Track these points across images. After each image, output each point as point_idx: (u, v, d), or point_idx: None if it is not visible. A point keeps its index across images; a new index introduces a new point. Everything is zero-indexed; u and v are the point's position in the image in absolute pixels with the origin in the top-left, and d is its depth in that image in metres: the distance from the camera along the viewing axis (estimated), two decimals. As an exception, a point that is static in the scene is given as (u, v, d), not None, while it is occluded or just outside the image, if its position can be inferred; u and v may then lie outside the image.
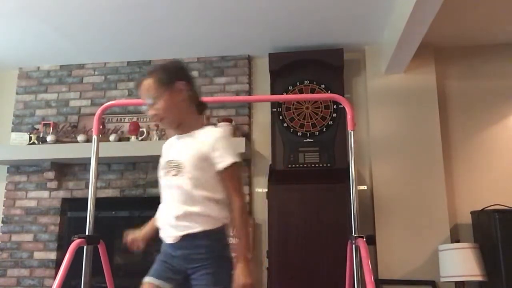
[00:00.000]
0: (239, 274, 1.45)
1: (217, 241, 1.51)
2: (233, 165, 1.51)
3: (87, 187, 3.56)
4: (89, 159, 2.38)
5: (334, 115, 3.43)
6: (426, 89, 3.44)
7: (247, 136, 3.60)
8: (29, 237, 3.67)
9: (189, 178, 1.51)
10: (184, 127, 1.60)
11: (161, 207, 1.62)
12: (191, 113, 1.61)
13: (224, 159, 1.50)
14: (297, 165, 3.36)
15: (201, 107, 1.66)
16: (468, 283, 2.99)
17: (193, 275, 1.49)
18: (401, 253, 3.19)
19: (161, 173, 1.61)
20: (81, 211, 3.12)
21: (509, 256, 2.83)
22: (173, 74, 1.59)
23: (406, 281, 3.14)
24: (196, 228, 1.48)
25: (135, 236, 1.72)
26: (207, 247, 1.49)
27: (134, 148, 3.45)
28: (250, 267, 1.47)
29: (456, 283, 3.00)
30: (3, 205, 3.78)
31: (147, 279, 1.57)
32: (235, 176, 1.53)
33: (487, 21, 3.21)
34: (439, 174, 3.28)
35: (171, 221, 1.52)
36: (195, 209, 1.48)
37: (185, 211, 1.49)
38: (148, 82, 1.56)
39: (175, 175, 1.53)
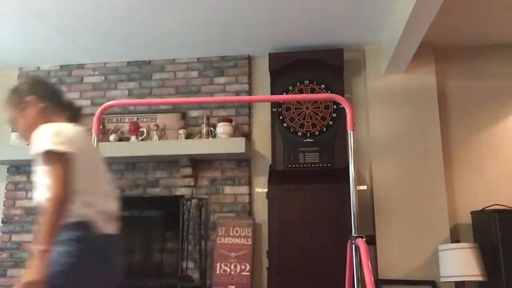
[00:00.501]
0: (26, 271, 1.35)
1: (70, 237, 1.45)
2: (45, 153, 1.46)
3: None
4: (89, 159, 2.37)
5: (334, 115, 3.43)
6: (426, 89, 3.44)
7: (247, 136, 3.60)
8: (29, 237, 3.67)
9: (36, 180, 1.56)
10: None
11: None
12: (53, 122, 1.61)
13: (35, 148, 1.48)
14: (297, 165, 3.36)
15: (71, 113, 1.73)
16: (468, 283, 2.99)
17: None
18: (401, 253, 3.19)
19: None
20: (81, 211, 3.12)
21: (509, 256, 2.83)
22: (21, 93, 1.67)
23: (406, 281, 3.14)
24: None
25: None
26: (62, 243, 1.44)
27: (134, 148, 3.45)
28: (42, 262, 1.35)
29: (456, 283, 3.00)
30: (3, 205, 3.78)
31: None
32: (50, 165, 1.46)
33: (487, 21, 3.21)
34: (439, 174, 3.28)
35: None
36: None
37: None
38: (4, 107, 1.67)
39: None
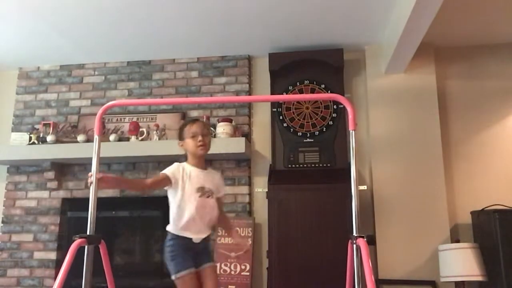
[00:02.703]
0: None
1: None
2: None
3: (87, 187, 3.56)
4: (89, 159, 2.36)
5: (334, 115, 3.43)
6: (426, 89, 3.44)
7: (247, 136, 3.60)
8: (29, 237, 3.67)
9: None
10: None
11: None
12: None
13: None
14: (297, 165, 3.36)
15: None
16: (468, 283, 2.99)
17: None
18: (401, 253, 3.19)
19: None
20: (81, 211, 3.12)
21: (509, 256, 2.83)
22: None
23: (406, 281, 3.14)
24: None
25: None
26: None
27: (134, 148, 3.45)
28: None
29: (456, 283, 3.00)
30: (3, 205, 3.78)
31: (189, 270, 2.06)
32: None
33: (487, 21, 3.21)
34: (439, 174, 3.28)
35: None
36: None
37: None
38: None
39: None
